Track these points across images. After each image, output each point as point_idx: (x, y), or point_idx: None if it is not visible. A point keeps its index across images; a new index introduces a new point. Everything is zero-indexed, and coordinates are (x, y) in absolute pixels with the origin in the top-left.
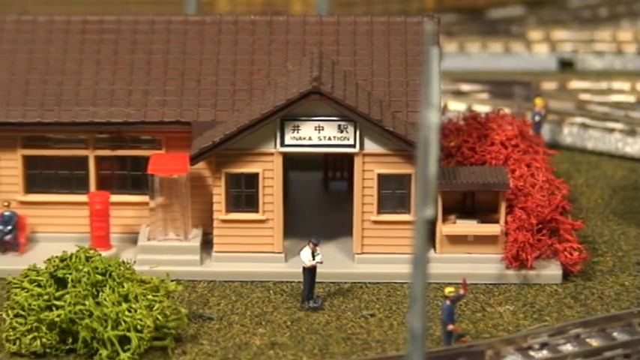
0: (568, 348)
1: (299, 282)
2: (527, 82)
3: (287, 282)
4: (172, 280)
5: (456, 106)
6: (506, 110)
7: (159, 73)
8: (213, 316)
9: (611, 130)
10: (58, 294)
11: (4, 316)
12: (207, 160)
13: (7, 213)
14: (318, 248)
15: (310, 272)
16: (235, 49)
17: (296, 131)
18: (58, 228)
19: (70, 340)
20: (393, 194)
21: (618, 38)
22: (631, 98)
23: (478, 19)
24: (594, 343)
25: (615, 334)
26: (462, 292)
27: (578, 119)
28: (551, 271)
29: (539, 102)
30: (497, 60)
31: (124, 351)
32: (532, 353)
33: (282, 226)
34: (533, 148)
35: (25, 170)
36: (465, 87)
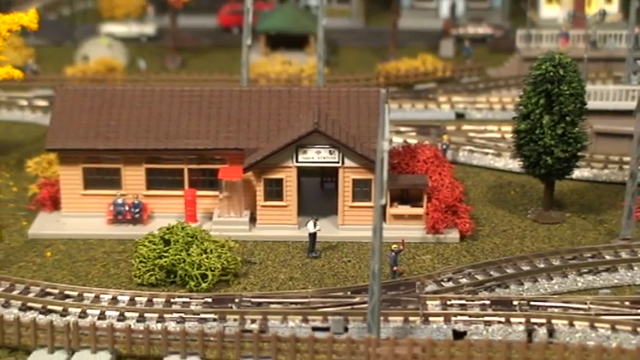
0: (464, 280)
1: (306, 241)
2: (437, 126)
3: (299, 242)
4: (232, 240)
5: (397, 140)
6: (426, 142)
7: (225, 120)
8: (255, 261)
9: (487, 153)
10: (165, 249)
11: (133, 262)
12: (253, 171)
13: (136, 201)
14: (317, 222)
15: (312, 236)
16: (269, 106)
17: (304, 153)
18: (166, 210)
19: (172, 276)
20: (361, 190)
21: (490, 100)
22: (497, 135)
23: (409, 90)
24: (479, 277)
25: (492, 272)
26: (402, 247)
27: (467, 147)
28: (453, 235)
29: (445, 137)
30: (421, 113)
31: (204, 282)
32: (442, 283)
33: (296, 209)
34: (442, 164)
35: (147, 176)
36: (402, 128)
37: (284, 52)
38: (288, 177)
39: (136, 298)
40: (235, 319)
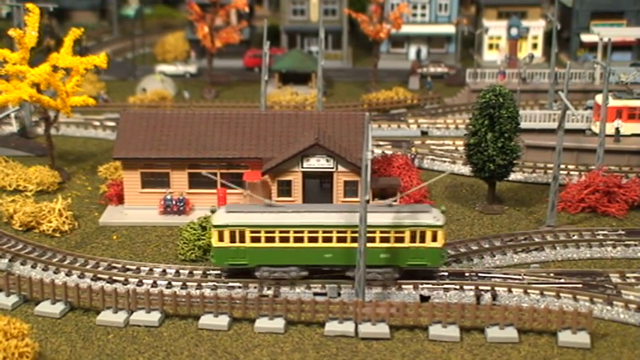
0: None
1: None
2: (407, 140)
3: None
4: None
5: (377, 151)
6: (399, 153)
7: (247, 136)
8: None
9: (444, 161)
10: (202, 233)
11: (178, 243)
12: (269, 174)
13: (181, 197)
14: None
15: None
16: (281, 126)
17: (308, 161)
18: (203, 204)
19: (208, 254)
20: (351, 189)
21: (446, 122)
22: (452, 147)
23: (386, 114)
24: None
25: (449, 251)
26: None
27: (430, 156)
28: None
29: (413, 149)
30: (394, 131)
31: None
32: None
33: (301, 203)
34: (411, 169)
35: (189, 179)
36: (381, 143)
37: (292, 85)
38: (296, 179)
39: (180, 271)
40: (255, 287)
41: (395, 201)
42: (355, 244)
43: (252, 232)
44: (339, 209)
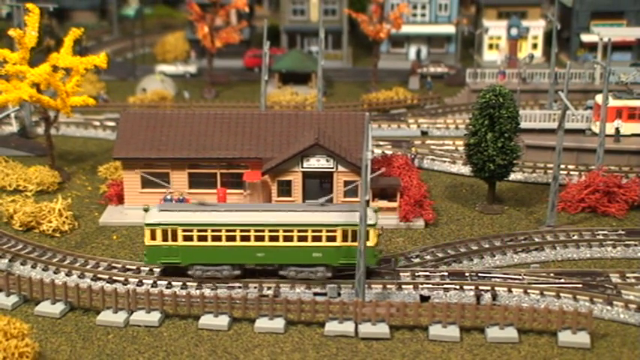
0: (428, 257)
1: None
2: (407, 140)
3: None
4: None
5: (377, 151)
6: (399, 153)
7: (247, 136)
8: None
9: (444, 161)
10: None
11: None
12: (269, 174)
13: (181, 197)
14: None
15: None
16: (281, 126)
17: (308, 161)
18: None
19: None
20: (350, 189)
21: (446, 122)
22: (452, 147)
23: (386, 114)
24: (439, 255)
25: (449, 251)
26: (380, 232)
27: (430, 156)
28: (419, 223)
29: (413, 149)
30: (394, 131)
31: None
32: (412, 260)
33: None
34: (411, 169)
35: (189, 179)
36: (381, 143)
37: (292, 85)
38: (296, 179)
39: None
40: (255, 287)
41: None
42: (287, 243)
43: (184, 230)
44: (272, 208)
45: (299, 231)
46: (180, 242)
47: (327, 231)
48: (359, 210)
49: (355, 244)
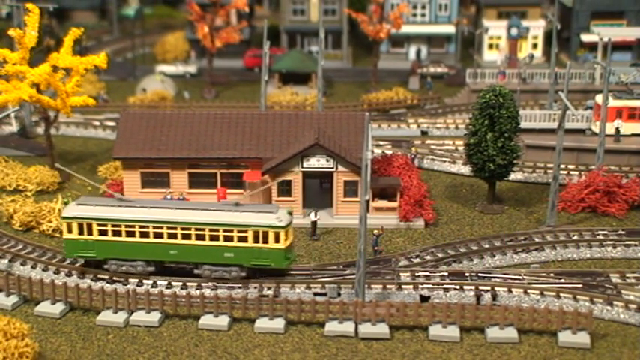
0: (428, 257)
1: (309, 228)
2: (407, 140)
3: (304, 227)
4: None
5: (377, 151)
6: (399, 153)
7: (247, 136)
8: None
9: (444, 161)
10: None
11: None
12: (269, 174)
13: (181, 197)
14: (317, 213)
15: (314, 224)
16: (281, 126)
17: (308, 161)
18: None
19: None
20: (351, 189)
21: (446, 122)
22: (452, 147)
23: (386, 114)
24: (439, 254)
25: (449, 251)
26: (381, 232)
27: (430, 156)
28: (419, 223)
29: (413, 149)
30: (394, 131)
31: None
32: (412, 259)
33: (301, 203)
34: (411, 169)
35: (189, 179)
36: (381, 143)
37: (292, 85)
38: (296, 179)
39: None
40: (255, 287)
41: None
42: (200, 242)
43: (99, 225)
44: (187, 207)
45: (211, 230)
46: (96, 236)
47: (239, 231)
48: (274, 212)
49: (267, 245)
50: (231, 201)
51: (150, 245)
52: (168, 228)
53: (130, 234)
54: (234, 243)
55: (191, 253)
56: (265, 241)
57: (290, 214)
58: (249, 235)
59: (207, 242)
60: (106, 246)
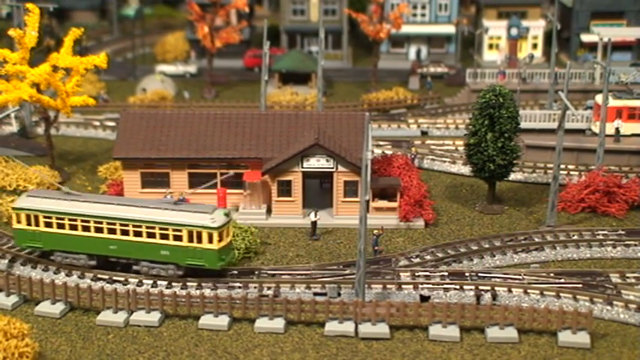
0: (427, 257)
1: (309, 228)
2: (407, 140)
3: (304, 228)
4: (253, 227)
5: (377, 151)
6: (399, 153)
7: (247, 136)
8: (270, 242)
9: (444, 161)
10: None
11: None
12: (269, 174)
13: (181, 197)
14: (317, 213)
15: (314, 223)
16: (281, 126)
17: (308, 161)
18: (205, 203)
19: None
20: (350, 189)
21: (446, 122)
22: (452, 147)
23: (386, 114)
24: (439, 254)
25: (449, 251)
26: (381, 232)
27: (430, 156)
28: (419, 223)
29: (413, 149)
30: (394, 131)
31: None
32: (412, 259)
33: (301, 203)
34: (411, 169)
35: (189, 178)
36: (381, 143)
37: (292, 85)
38: (296, 179)
39: None
40: (255, 287)
41: (183, 199)
42: (137, 239)
43: (44, 217)
44: (127, 203)
45: (147, 227)
46: (42, 228)
47: (174, 230)
48: (209, 212)
49: (201, 245)
50: (170, 199)
51: (91, 239)
52: (108, 223)
53: (73, 227)
54: (170, 241)
55: (129, 249)
56: (199, 241)
57: (227, 214)
58: (184, 234)
59: (144, 239)
60: (51, 238)
